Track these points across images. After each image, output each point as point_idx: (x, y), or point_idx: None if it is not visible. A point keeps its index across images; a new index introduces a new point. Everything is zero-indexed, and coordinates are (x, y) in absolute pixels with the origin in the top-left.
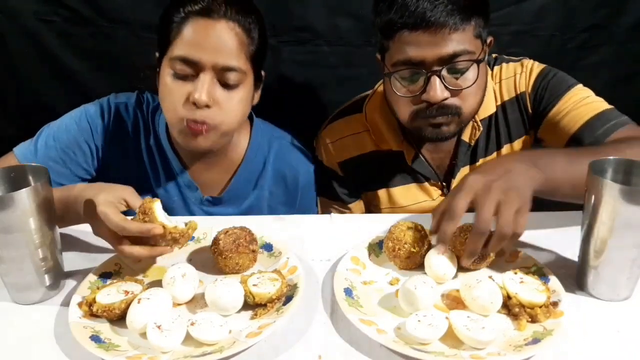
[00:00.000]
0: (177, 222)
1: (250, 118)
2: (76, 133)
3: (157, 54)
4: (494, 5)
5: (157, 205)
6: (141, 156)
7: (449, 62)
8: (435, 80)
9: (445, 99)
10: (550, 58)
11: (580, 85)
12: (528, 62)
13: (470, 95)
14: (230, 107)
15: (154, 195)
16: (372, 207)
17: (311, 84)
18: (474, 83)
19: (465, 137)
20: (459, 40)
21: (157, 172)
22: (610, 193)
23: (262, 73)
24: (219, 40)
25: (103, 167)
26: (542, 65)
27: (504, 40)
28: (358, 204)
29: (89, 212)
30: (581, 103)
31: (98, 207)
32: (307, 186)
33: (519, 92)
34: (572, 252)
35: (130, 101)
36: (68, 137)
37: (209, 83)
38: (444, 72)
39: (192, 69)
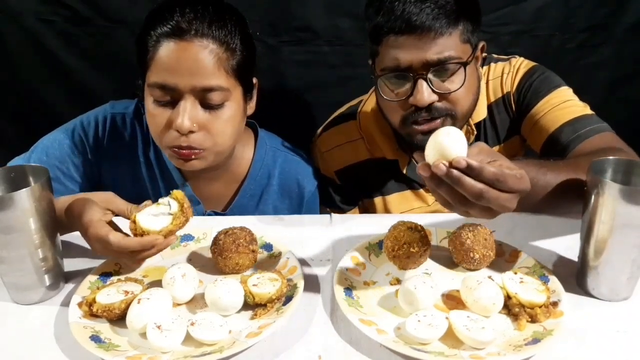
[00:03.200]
0: (164, 200)
1: (254, 130)
2: (69, 148)
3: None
4: (493, 5)
5: (139, 218)
6: (139, 169)
7: (436, 65)
8: (422, 83)
9: (432, 102)
10: (550, 58)
11: (565, 87)
12: (516, 61)
13: (460, 98)
14: (217, 128)
15: None
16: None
17: (311, 84)
18: (461, 86)
19: None
20: (446, 44)
21: (156, 186)
22: (610, 193)
23: (254, 81)
24: (193, 62)
25: (98, 181)
26: (531, 64)
27: (504, 40)
28: (354, 212)
29: (82, 233)
30: (562, 105)
31: (90, 232)
32: (312, 199)
33: (504, 93)
34: (572, 252)
35: (129, 111)
36: (61, 152)
37: (190, 107)
38: (431, 76)
39: (171, 95)
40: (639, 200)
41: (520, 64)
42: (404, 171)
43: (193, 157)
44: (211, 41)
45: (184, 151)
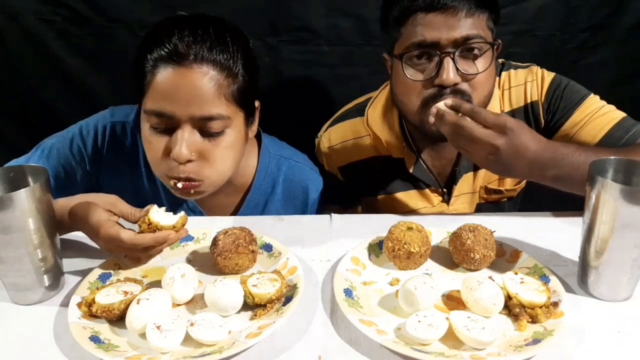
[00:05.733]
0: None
1: (258, 137)
2: (66, 158)
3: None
4: None
5: (152, 214)
6: (140, 180)
7: (463, 44)
8: (449, 62)
9: (457, 83)
10: (550, 58)
11: (592, 95)
12: (537, 70)
13: (481, 83)
14: (216, 157)
15: None
16: (371, 213)
17: (311, 84)
18: (486, 69)
19: None
20: (473, 24)
21: (158, 196)
22: (611, 193)
23: (256, 104)
24: (192, 90)
25: (97, 192)
26: (552, 74)
27: (504, 40)
28: (357, 210)
29: (90, 234)
30: (597, 114)
31: (102, 233)
32: (316, 206)
33: (529, 101)
34: (572, 252)
35: (129, 120)
36: (59, 161)
37: (188, 136)
38: (457, 56)
39: (168, 123)
40: None
41: (543, 73)
42: (410, 170)
43: (192, 190)
44: (211, 67)
45: (183, 185)
